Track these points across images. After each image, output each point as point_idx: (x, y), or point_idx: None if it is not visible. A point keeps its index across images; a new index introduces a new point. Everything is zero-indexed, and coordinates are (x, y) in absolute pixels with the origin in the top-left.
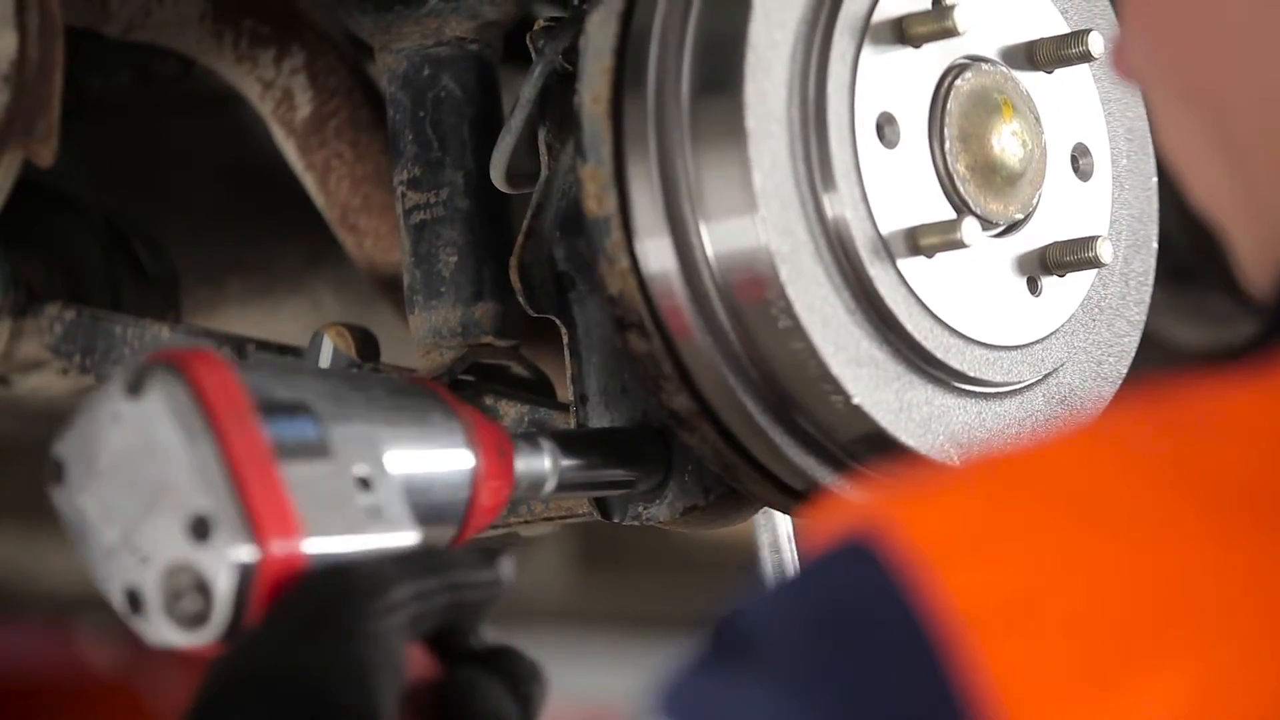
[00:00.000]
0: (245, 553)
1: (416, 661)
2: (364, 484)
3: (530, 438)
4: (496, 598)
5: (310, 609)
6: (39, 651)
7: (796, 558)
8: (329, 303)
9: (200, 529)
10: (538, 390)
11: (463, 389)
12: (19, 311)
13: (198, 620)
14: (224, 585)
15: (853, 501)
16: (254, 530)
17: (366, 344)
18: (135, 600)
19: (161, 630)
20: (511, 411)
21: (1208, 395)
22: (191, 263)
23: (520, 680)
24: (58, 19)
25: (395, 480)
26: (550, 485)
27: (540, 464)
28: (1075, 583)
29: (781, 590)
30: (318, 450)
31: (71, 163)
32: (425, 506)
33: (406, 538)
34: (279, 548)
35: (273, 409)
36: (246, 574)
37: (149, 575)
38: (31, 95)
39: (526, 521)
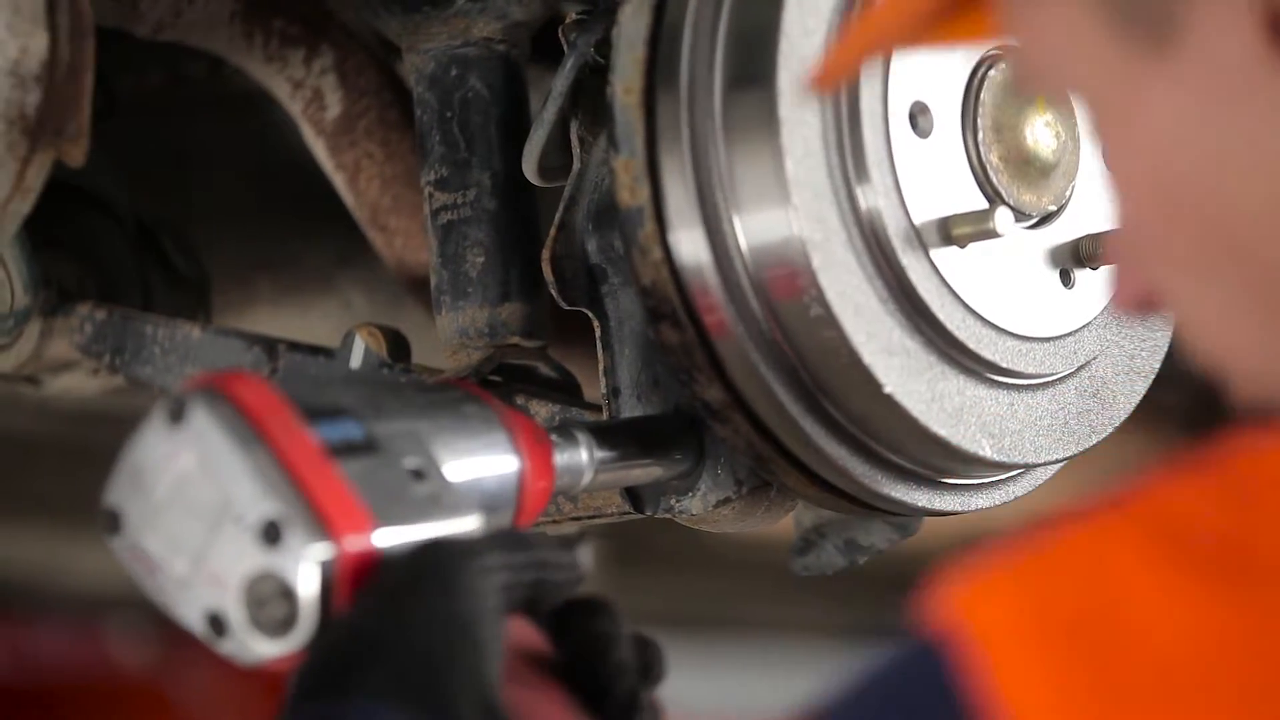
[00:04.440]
0: (322, 549)
1: (527, 634)
2: (417, 475)
3: (565, 430)
4: (578, 581)
5: (405, 574)
6: (68, 650)
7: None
8: (359, 303)
9: (272, 534)
10: (565, 390)
11: (492, 389)
12: (49, 311)
13: (285, 625)
14: (307, 584)
15: (936, 596)
16: (326, 526)
17: (397, 344)
18: (219, 623)
19: (251, 645)
20: (542, 411)
21: (1266, 456)
22: (222, 263)
23: (644, 648)
24: (88, 19)
25: (446, 470)
26: (588, 476)
27: (578, 456)
28: None
29: (858, 697)
30: (367, 447)
31: (102, 163)
32: (479, 495)
33: (471, 522)
34: (353, 541)
35: (316, 414)
36: (327, 570)
37: (228, 592)
38: (62, 95)
39: (555, 521)
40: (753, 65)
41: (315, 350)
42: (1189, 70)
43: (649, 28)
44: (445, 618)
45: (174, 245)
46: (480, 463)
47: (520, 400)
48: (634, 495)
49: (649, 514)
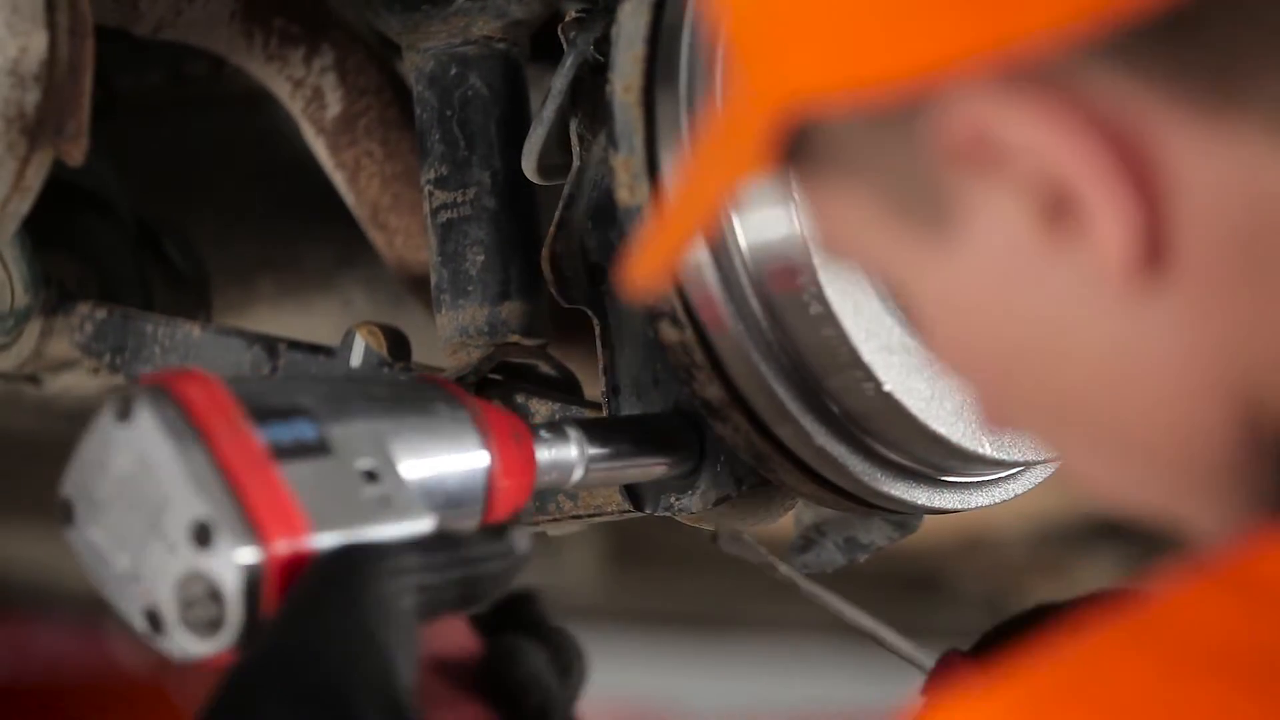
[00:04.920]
0: (249, 553)
1: (459, 636)
2: (370, 476)
3: (556, 426)
4: (515, 569)
5: (310, 586)
6: (69, 650)
7: None
8: (360, 302)
9: (203, 536)
10: (565, 389)
11: (491, 388)
12: (50, 310)
13: (213, 626)
14: (232, 587)
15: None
16: (256, 530)
17: (398, 343)
18: (155, 620)
19: (182, 643)
20: (542, 410)
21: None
22: (222, 262)
23: (561, 650)
24: (88, 18)
25: (404, 470)
26: (579, 473)
27: (567, 452)
28: None
29: None
30: (316, 449)
31: (102, 162)
32: (441, 494)
33: (421, 524)
34: (283, 545)
35: (265, 414)
36: (254, 574)
37: (162, 591)
38: (62, 94)
39: (555, 520)
40: None
41: (316, 349)
42: (971, 254)
43: (648, 26)
44: (347, 628)
45: (174, 244)
46: (443, 460)
47: (520, 399)
48: (633, 493)
49: (648, 512)
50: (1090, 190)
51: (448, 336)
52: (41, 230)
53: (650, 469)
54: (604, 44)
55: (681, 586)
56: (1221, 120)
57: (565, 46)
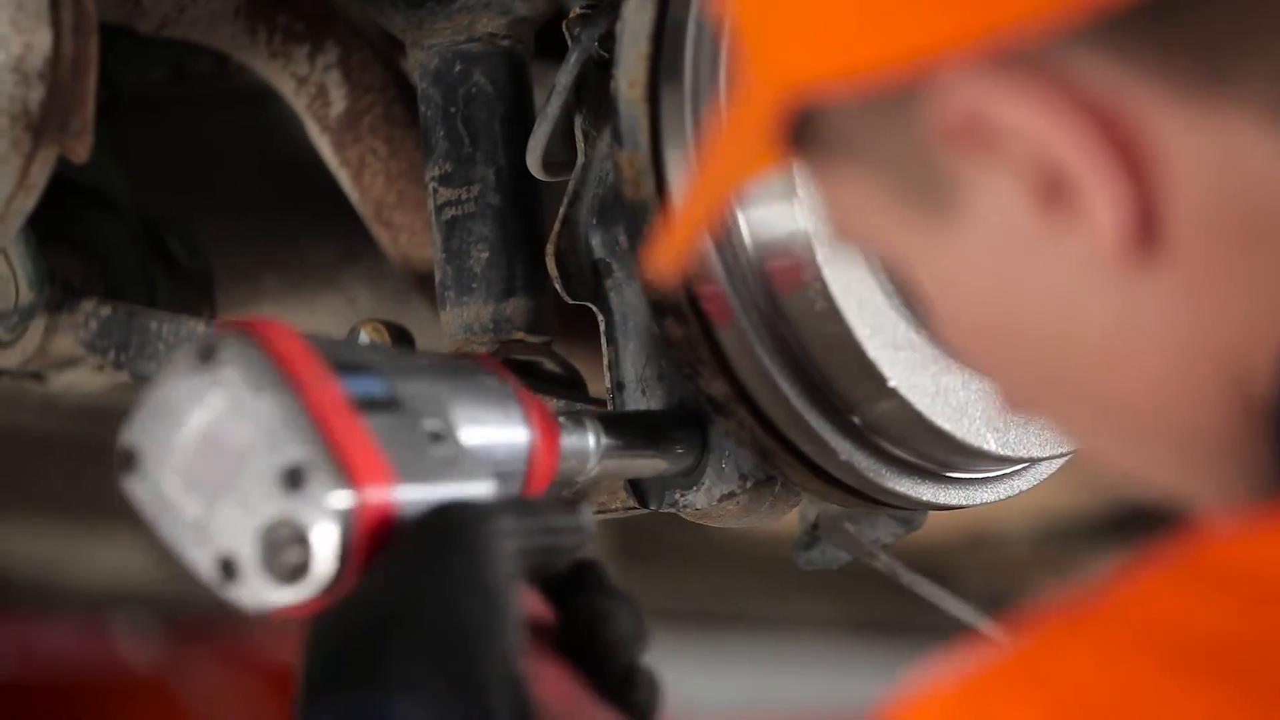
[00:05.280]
0: (343, 498)
1: (532, 603)
2: (436, 437)
3: (575, 416)
4: (584, 544)
5: (426, 537)
6: (75, 647)
7: None
8: (364, 299)
9: (295, 479)
10: (570, 385)
11: None
12: (54, 307)
13: (299, 573)
14: (325, 531)
15: (913, 704)
16: (349, 476)
17: (402, 340)
18: (229, 567)
19: (261, 591)
20: (547, 406)
21: (1242, 547)
22: (226, 258)
23: (637, 615)
24: (92, 15)
25: (463, 435)
26: (593, 464)
27: (585, 440)
28: None
29: None
30: (390, 404)
31: (106, 159)
32: (491, 463)
33: (484, 488)
34: (374, 493)
35: (342, 367)
36: (346, 520)
37: (244, 536)
38: (66, 92)
39: None
40: None
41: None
42: (972, 237)
43: (653, 22)
44: (471, 584)
45: (178, 241)
46: (494, 431)
47: None
48: (638, 489)
49: (653, 509)
50: (1083, 171)
51: (452, 333)
52: (46, 227)
53: (657, 464)
54: (608, 40)
55: (686, 584)
56: (1208, 103)
57: (570, 43)
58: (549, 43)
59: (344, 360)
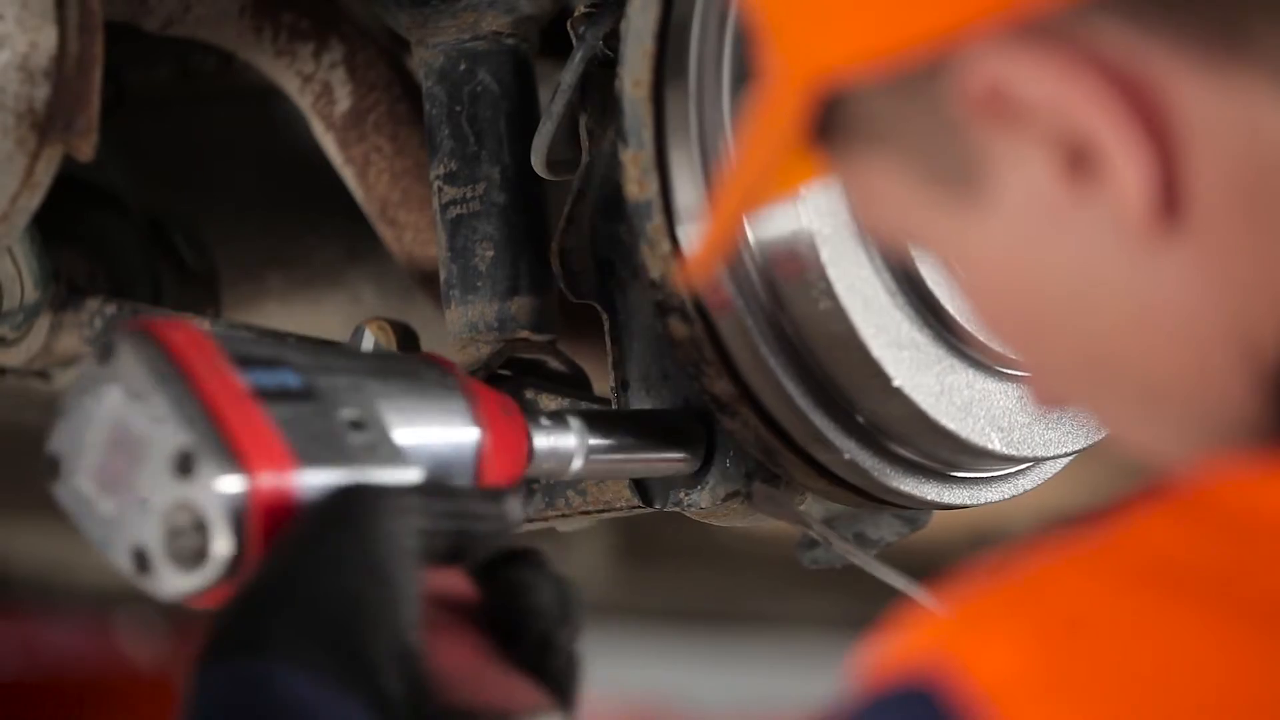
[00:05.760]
0: (232, 481)
1: (457, 583)
2: (356, 426)
3: (558, 415)
4: (505, 532)
5: (315, 519)
6: (79, 645)
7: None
8: (369, 297)
9: (185, 465)
10: (574, 384)
11: (501, 383)
12: (59, 306)
13: (198, 557)
14: (216, 514)
15: (904, 632)
16: (239, 459)
17: (407, 338)
18: (142, 559)
19: (170, 579)
20: (551, 405)
21: (1241, 489)
22: (232, 257)
23: (563, 593)
24: (97, 14)
25: (390, 424)
26: (578, 463)
27: (565, 440)
28: None
29: None
30: (301, 395)
31: (111, 157)
32: (428, 455)
33: (408, 474)
34: (268, 477)
35: (249, 361)
36: (238, 502)
37: (150, 527)
38: (71, 90)
39: (564, 515)
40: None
41: (325, 344)
42: (1001, 212)
43: (657, 21)
44: (356, 561)
45: (184, 239)
46: (433, 429)
47: (529, 394)
48: (642, 489)
49: (658, 508)
50: (1107, 139)
51: (457, 332)
52: (51, 226)
53: (657, 463)
54: (613, 39)
55: (689, 582)
56: (1226, 71)
57: (574, 42)
58: (554, 41)
59: (253, 355)
